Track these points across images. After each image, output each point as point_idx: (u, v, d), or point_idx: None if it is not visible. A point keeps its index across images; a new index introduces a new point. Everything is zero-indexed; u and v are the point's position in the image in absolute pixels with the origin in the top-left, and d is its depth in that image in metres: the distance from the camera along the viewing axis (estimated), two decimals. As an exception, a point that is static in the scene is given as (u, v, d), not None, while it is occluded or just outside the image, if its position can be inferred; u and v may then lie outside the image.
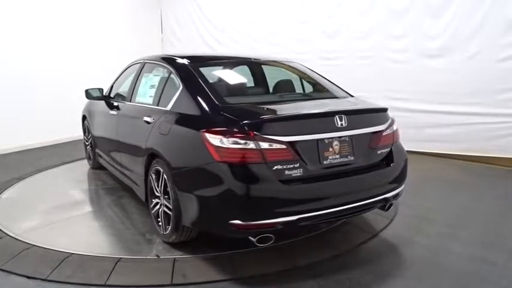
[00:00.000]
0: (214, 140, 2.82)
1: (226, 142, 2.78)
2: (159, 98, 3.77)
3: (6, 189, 5.05)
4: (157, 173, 3.45)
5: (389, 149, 3.34)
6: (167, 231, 3.38)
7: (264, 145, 2.76)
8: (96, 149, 5.55)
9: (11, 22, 6.95)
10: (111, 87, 5.16)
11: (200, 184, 3.00)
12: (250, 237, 2.87)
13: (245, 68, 4.57)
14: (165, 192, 3.36)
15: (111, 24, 8.58)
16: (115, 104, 4.68)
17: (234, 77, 4.20)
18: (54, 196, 4.80)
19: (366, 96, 6.79)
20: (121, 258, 3.21)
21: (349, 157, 3.09)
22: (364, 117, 3.34)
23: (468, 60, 5.90)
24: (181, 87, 3.46)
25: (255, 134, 2.76)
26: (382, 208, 3.40)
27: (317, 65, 7.31)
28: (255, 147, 2.75)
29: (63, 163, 6.34)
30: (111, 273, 3.00)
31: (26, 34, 7.16)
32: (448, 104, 6.16)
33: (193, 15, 9.14)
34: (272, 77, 4.46)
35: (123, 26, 8.80)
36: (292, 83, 4.14)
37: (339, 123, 3.01)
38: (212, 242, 3.43)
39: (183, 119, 3.30)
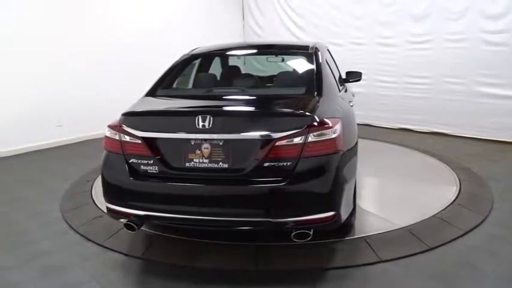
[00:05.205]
0: (107, 128, 3.08)
1: (108, 131, 3.05)
2: None
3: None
4: None
5: (291, 164, 2.66)
6: None
7: (126, 138, 2.92)
8: None
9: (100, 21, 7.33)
10: None
11: None
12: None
13: (236, 59, 4.65)
14: None
15: (192, 13, 8.79)
16: None
17: (208, 68, 4.38)
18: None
19: (454, 82, 6.49)
20: (208, 242, 3.34)
21: (221, 164, 2.77)
22: (251, 120, 2.87)
23: None
24: None
25: (121, 126, 2.94)
26: (289, 235, 2.79)
27: (403, 50, 7.07)
28: (118, 139, 2.95)
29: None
30: (198, 255, 3.16)
31: (121, 30, 7.55)
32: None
33: (273, 0, 9.11)
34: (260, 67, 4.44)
35: (205, 13, 8.98)
36: (251, 76, 4.10)
37: (201, 124, 2.73)
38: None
39: None
